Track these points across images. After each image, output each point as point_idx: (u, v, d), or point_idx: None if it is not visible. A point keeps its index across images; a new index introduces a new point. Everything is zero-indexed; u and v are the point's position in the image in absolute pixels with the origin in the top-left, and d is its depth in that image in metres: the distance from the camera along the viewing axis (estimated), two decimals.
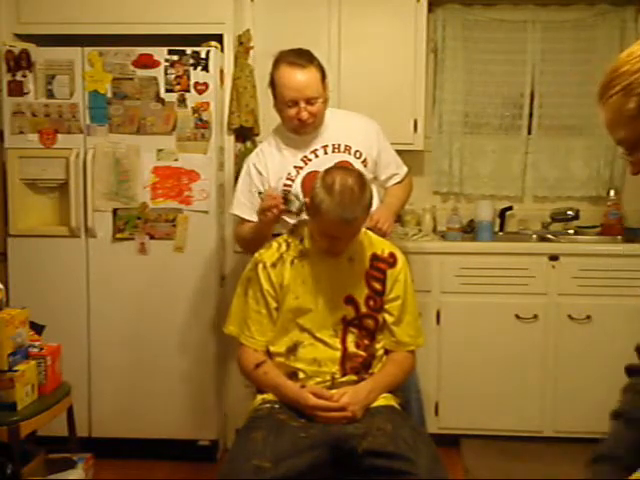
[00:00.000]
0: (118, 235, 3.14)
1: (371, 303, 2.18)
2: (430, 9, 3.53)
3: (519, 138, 3.79)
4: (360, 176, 2.08)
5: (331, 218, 2.00)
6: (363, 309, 2.17)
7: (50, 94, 3.09)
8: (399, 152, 2.77)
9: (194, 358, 3.17)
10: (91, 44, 3.09)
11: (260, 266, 2.18)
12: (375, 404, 2.10)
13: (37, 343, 2.60)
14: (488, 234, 3.50)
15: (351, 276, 2.17)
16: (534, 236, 3.62)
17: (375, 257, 2.20)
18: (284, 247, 2.20)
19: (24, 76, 3.09)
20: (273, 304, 2.16)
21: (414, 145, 3.46)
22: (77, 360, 3.14)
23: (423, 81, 3.45)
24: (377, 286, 2.18)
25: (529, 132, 3.79)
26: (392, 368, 2.20)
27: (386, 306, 2.19)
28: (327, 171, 2.11)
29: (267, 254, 2.20)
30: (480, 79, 3.77)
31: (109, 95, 3.08)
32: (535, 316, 3.25)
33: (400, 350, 2.22)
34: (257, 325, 2.17)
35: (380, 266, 2.20)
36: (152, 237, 3.12)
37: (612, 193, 3.68)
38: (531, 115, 3.77)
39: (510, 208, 3.75)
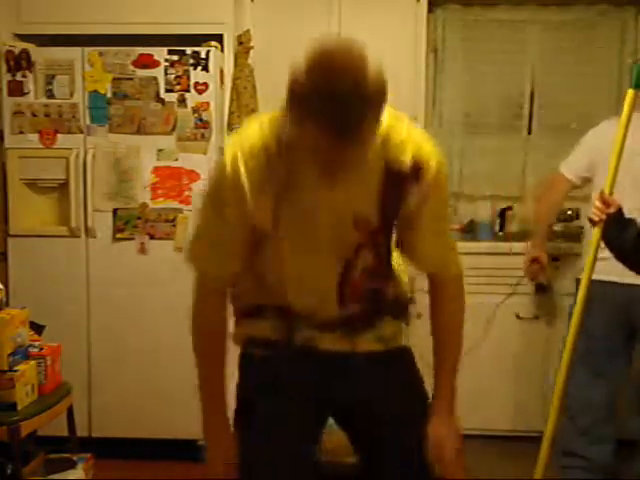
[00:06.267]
0: (118, 235, 3.14)
1: (387, 221, 1.56)
2: (430, 9, 3.53)
3: (519, 138, 3.79)
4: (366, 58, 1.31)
5: (320, 127, 1.28)
6: (378, 231, 1.57)
7: (50, 94, 3.09)
8: None
9: (194, 358, 3.16)
10: (91, 44, 3.09)
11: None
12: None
13: (37, 343, 2.61)
14: (488, 234, 3.50)
15: (358, 197, 1.51)
16: None
17: (390, 171, 1.49)
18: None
19: (24, 76, 3.09)
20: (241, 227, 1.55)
21: None
22: (77, 360, 3.14)
23: (423, 81, 3.46)
24: (395, 202, 1.53)
25: (529, 132, 3.79)
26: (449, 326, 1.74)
27: (412, 223, 1.57)
28: (321, 48, 1.30)
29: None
30: (480, 79, 3.78)
31: (109, 95, 3.08)
32: (535, 316, 3.25)
33: (431, 269, 1.68)
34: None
35: (400, 182, 1.50)
36: (152, 237, 3.12)
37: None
38: (531, 115, 3.77)
39: (510, 208, 3.75)
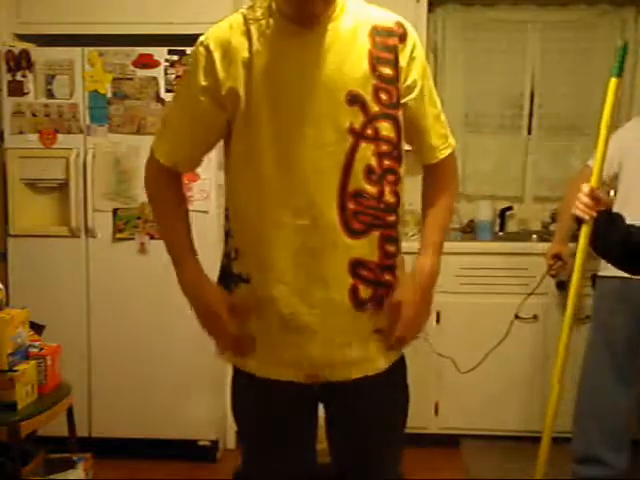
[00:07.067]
0: (118, 235, 3.14)
1: (383, 97, 1.52)
2: (430, 9, 3.53)
3: (519, 138, 3.79)
4: None
5: None
6: (374, 108, 1.50)
7: (50, 94, 3.10)
8: None
9: (194, 358, 3.17)
10: (91, 44, 3.09)
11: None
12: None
13: (37, 343, 2.61)
14: (488, 234, 3.50)
15: (348, 63, 1.50)
16: (534, 236, 3.62)
17: (377, 31, 1.53)
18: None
19: (24, 76, 3.09)
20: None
21: None
22: (77, 360, 3.14)
23: None
24: (388, 71, 1.52)
25: (529, 132, 3.79)
26: (441, 203, 1.64)
27: (404, 99, 1.55)
28: None
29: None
30: (480, 79, 3.78)
31: (109, 95, 3.08)
32: (535, 316, 3.25)
33: (433, 159, 1.64)
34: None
35: (387, 42, 1.52)
36: (152, 237, 3.12)
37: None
38: (531, 115, 3.77)
39: (510, 208, 3.75)
